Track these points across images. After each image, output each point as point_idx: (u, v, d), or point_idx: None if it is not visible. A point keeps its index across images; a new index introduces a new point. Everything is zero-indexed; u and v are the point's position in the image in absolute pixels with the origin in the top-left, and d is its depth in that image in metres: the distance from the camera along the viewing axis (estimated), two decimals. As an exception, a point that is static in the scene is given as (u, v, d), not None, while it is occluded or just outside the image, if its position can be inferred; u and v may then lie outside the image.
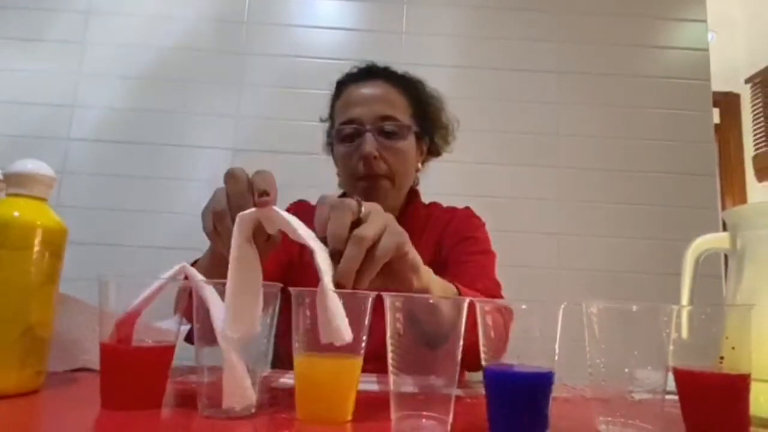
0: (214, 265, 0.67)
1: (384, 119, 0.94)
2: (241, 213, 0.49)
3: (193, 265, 0.76)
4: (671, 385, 0.49)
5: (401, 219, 0.99)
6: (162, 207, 1.70)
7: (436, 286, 0.64)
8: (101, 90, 1.75)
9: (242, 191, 0.54)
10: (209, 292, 0.47)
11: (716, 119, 2.94)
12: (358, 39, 1.82)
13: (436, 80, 1.08)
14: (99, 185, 1.70)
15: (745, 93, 3.03)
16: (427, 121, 1.02)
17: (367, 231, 0.51)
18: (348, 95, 0.98)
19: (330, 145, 1.05)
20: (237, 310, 0.46)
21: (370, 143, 0.92)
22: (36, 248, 0.51)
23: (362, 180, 0.94)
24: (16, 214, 0.51)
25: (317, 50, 1.82)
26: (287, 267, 0.97)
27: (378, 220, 0.53)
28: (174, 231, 1.68)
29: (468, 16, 1.87)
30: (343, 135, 0.96)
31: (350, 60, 1.05)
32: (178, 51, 1.79)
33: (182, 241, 1.66)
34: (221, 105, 1.77)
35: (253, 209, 0.50)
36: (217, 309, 0.46)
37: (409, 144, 0.97)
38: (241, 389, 0.46)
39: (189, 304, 0.50)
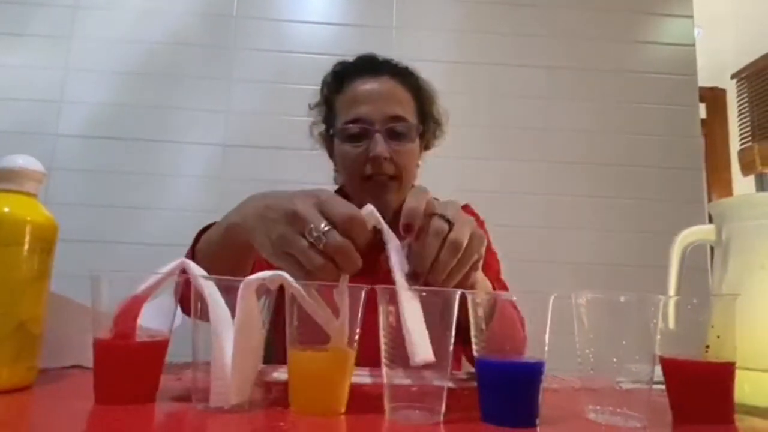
0: (233, 253, 0.67)
1: (394, 119, 0.92)
2: (247, 278, 0.47)
3: (204, 231, 0.77)
4: (659, 375, 0.50)
5: (399, 213, 0.99)
6: (151, 203, 1.69)
7: (481, 283, 0.66)
8: (89, 85, 1.74)
9: (359, 263, 0.51)
10: (208, 288, 0.47)
11: (703, 114, 2.97)
12: (348, 34, 1.82)
13: (426, 75, 1.08)
14: (87, 182, 1.69)
15: (731, 88, 3.07)
16: (426, 118, 1.02)
17: (463, 238, 0.53)
18: (353, 90, 0.95)
19: (325, 138, 1.03)
20: (241, 377, 0.46)
21: (381, 145, 0.90)
22: (26, 244, 0.51)
23: (369, 180, 0.92)
24: (6, 209, 0.51)
25: (307, 45, 1.81)
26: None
27: (466, 227, 0.54)
28: (164, 227, 1.68)
29: (457, 11, 1.88)
30: (349, 134, 0.93)
31: (341, 55, 1.05)
32: (167, 46, 1.78)
33: (172, 238, 1.66)
34: (211, 100, 1.76)
35: (261, 274, 0.48)
36: (216, 304, 0.46)
37: (416, 144, 0.96)
38: (230, 388, 0.46)
39: (184, 296, 0.50)
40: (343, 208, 0.52)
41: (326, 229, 0.51)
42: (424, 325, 0.46)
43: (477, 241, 0.55)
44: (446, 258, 0.52)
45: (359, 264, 0.51)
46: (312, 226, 0.51)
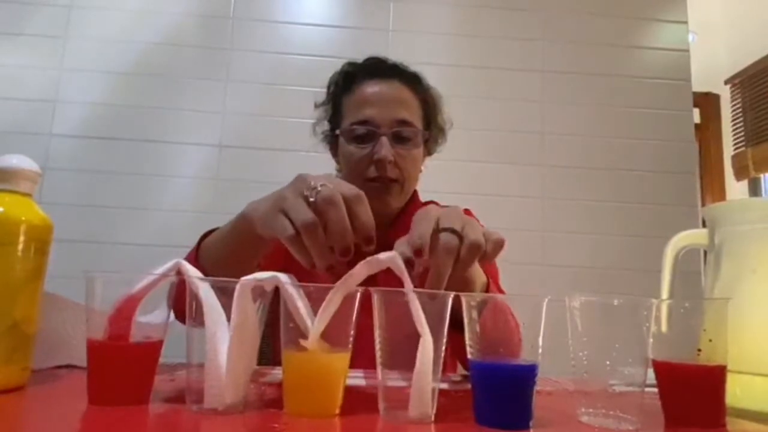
0: (239, 245, 0.67)
1: (400, 123, 0.92)
2: (243, 278, 0.47)
3: (208, 234, 0.76)
4: (651, 378, 0.50)
5: (401, 217, 0.99)
6: (147, 204, 1.69)
7: (478, 278, 0.67)
8: (84, 85, 1.73)
9: (346, 228, 0.51)
10: (203, 289, 0.47)
11: (697, 119, 2.99)
12: (345, 36, 1.83)
13: (422, 78, 1.08)
14: (82, 182, 1.68)
15: (725, 94, 3.08)
16: (432, 124, 1.02)
17: (480, 238, 0.53)
18: (362, 92, 0.95)
19: (329, 137, 1.02)
20: (236, 378, 0.46)
21: (386, 148, 0.90)
22: (21, 244, 0.51)
23: (372, 182, 0.92)
24: (0, 209, 0.50)
25: (303, 47, 1.82)
26: (283, 259, 0.93)
27: (477, 229, 0.54)
28: (159, 228, 1.67)
29: (454, 15, 1.89)
30: (355, 135, 0.93)
31: (337, 57, 1.05)
32: (163, 46, 1.78)
33: (167, 238, 1.65)
34: (207, 101, 1.76)
35: (257, 275, 0.48)
36: (211, 305, 0.46)
37: (420, 149, 0.97)
38: (224, 389, 0.46)
39: (178, 297, 0.50)
40: (352, 187, 0.53)
41: (323, 184, 0.52)
42: (428, 382, 0.46)
43: (495, 244, 0.55)
44: (466, 259, 0.52)
45: (347, 224, 0.51)
46: (312, 182, 0.52)
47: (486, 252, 0.53)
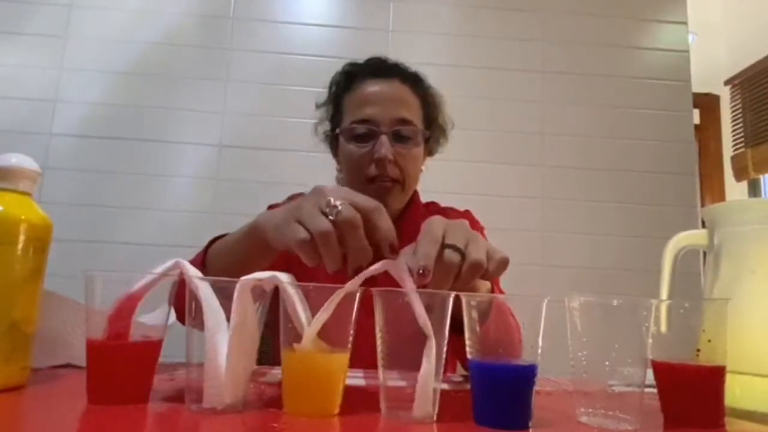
0: (248, 255, 0.67)
1: (400, 122, 0.92)
2: (243, 278, 0.47)
3: (217, 239, 0.77)
4: (650, 378, 0.50)
5: (401, 218, 0.98)
6: (146, 203, 1.69)
7: (483, 286, 0.67)
8: (84, 85, 1.73)
9: (365, 246, 0.52)
10: (203, 289, 0.47)
11: (696, 120, 2.99)
12: (345, 36, 1.83)
13: (422, 78, 1.08)
14: (81, 181, 1.68)
15: (725, 94, 3.09)
16: (432, 124, 1.02)
17: (482, 258, 0.53)
18: (362, 91, 0.95)
19: (330, 137, 1.02)
20: (235, 377, 0.46)
21: (386, 147, 0.89)
22: (21, 243, 0.51)
23: (372, 182, 0.92)
24: (0, 208, 0.50)
25: (303, 47, 1.82)
26: (284, 261, 0.93)
27: (481, 246, 0.54)
28: (158, 228, 1.67)
29: (454, 15, 1.89)
30: (355, 134, 0.93)
31: (337, 57, 1.05)
32: (163, 46, 1.78)
33: (167, 238, 1.65)
34: (207, 101, 1.76)
35: (257, 274, 0.49)
36: (210, 305, 0.46)
37: (421, 149, 0.97)
38: (223, 389, 0.46)
39: (179, 297, 0.50)
40: (369, 199, 0.53)
41: (342, 203, 0.51)
42: (432, 382, 0.46)
43: (499, 264, 0.54)
44: (467, 277, 0.52)
45: (366, 246, 0.51)
46: (330, 199, 0.52)
47: (488, 270, 0.53)
